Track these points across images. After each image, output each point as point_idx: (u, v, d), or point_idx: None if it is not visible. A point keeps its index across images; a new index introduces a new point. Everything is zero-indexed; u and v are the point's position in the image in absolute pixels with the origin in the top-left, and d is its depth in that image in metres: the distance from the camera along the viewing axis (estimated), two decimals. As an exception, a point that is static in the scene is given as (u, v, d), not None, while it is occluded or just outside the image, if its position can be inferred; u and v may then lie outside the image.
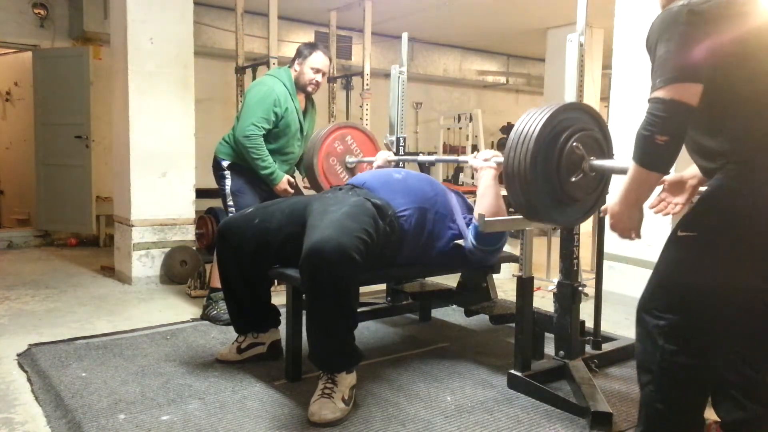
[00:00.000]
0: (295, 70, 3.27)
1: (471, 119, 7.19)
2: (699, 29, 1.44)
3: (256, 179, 3.26)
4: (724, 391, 1.77)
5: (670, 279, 1.60)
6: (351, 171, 3.31)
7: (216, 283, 3.12)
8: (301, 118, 3.30)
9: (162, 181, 4.24)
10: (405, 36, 3.34)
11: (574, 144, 1.84)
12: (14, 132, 6.68)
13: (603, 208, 1.67)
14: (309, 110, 3.41)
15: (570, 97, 2.39)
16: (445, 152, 7.52)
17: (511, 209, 2.54)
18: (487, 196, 2.41)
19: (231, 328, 2.68)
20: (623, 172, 1.65)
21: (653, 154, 1.48)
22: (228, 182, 3.28)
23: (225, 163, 3.28)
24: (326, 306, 2.08)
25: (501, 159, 2.36)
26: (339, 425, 2.02)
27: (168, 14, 4.18)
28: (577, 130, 1.87)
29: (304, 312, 2.22)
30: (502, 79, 8.91)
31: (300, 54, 3.28)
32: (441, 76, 8.27)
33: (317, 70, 3.24)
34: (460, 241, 2.49)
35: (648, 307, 1.62)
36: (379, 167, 3.02)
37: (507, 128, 7.91)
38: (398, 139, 3.33)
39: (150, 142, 4.16)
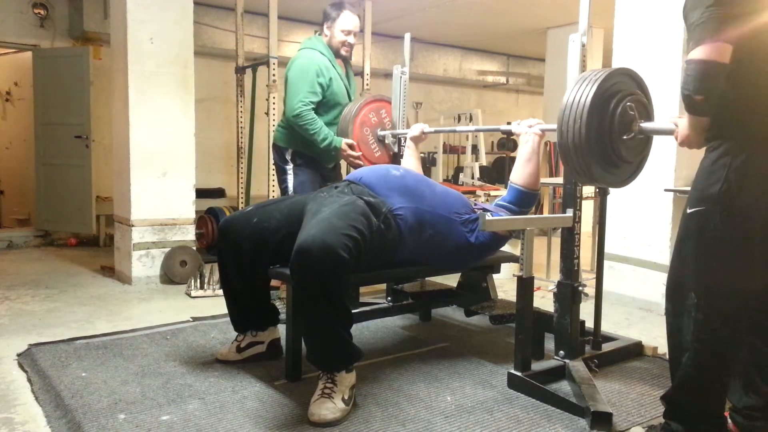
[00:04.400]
0: (326, 35, 3.18)
1: (471, 119, 7.17)
2: None
3: (319, 172, 3.21)
4: (740, 375, 1.82)
5: (686, 254, 1.74)
6: (382, 143, 3.34)
7: None
8: (347, 83, 3.22)
9: (162, 181, 4.23)
10: (407, 36, 3.33)
11: (628, 104, 1.99)
12: (14, 132, 6.68)
13: (674, 131, 1.85)
14: (350, 73, 3.32)
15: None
16: (445, 152, 7.51)
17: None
18: (532, 163, 2.54)
19: (231, 328, 2.69)
20: (669, 133, 1.91)
21: (696, 108, 1.64)
22: (290, 179, 3.18)
23: (288, 154, 3.17)
24: (318, 305, 2.08)
25: (545, 126, 2.57)
26: (339, 425, 2.02)
27: (168, 14, 4.18)
28: (628, 94, 2.01)
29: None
30: (502, 79, 8.91)
31: (327, 17, 3.17)
32: (441, 76, 8.26)
33: (348, 32, 3.15)
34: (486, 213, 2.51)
35: (675, 284, 1.79)
36: (414, 137, 3.09)
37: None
38: (399, 139, 3.32)
39: (150, 142, 4.16)
